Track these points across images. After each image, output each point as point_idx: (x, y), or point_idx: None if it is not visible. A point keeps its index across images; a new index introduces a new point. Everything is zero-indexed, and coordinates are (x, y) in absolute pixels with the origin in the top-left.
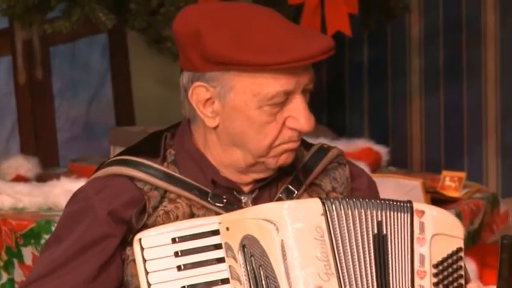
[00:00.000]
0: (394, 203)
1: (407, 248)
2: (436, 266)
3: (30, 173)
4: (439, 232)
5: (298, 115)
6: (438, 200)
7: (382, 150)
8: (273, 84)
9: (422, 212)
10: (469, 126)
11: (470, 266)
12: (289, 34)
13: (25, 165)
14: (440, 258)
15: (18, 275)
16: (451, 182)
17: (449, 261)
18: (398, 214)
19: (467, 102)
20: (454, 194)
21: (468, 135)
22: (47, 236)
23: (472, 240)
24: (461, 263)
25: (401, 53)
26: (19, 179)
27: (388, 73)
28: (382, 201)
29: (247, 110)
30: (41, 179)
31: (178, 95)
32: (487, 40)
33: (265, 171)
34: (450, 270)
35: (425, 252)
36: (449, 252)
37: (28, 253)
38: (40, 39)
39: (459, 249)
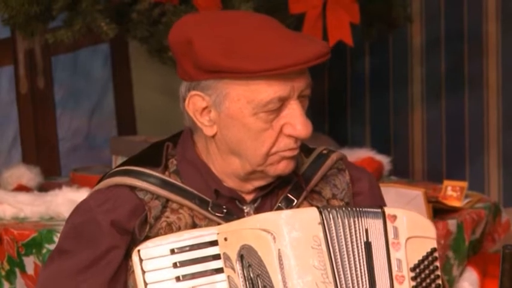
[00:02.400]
0: (368, 210)
1: (384, 253)
2: (413, 269)
3: (32, 183)
4: (412, 235)
5: (295, 121)
6: (440, 209)
7: (384, 160)
8: (266, 91)
9: (394, 217)
10: (471, 135)
11: (472, 275)
12: (282, 40)
13: (27, 174)
14: (416, 261)
15: (20, 285)
16: (452, 192)
17: (426, 262)
18: (374, 221)
19: (469, 112)
20: (455, 203)
21: (470, 145)
22: (48, 246)
23: (474, 250)
24: (437, 263)
25: (403, 62)
26: (21, 188)
27: (390, 83)
28: (360, 209)
29: (242, 117)
30: (43, 188)
31: (180, 104)
32: (489, 50)
33: (265, 178)
34: (427, 271)
35: (401, 257)
36: (424, 254)
37: (30, 263)
38: (42, 48)
39: (433, 250)
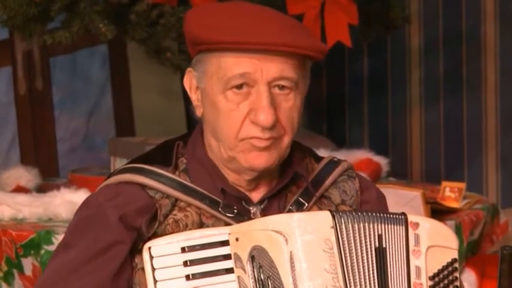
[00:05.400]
0: (390, 215)
1: (404, 260)
2: (432, 278)
3: (30, 184)
4: (434, 244)
5: (257, 108)
6: (438, 210)
7: (382, 161)
8: (232, 66)
9: (416, 224)
10: (469, 137)
11: (471, 276)
12: (265, 22)
13: (25, 175)
14: (436, 270)
15: (18, 286)
16: (451, 193)
17: (445, 272)
18: (395, 227)
19: (467, 113)
20: (454, 204)
21: (468, 146)
22: (47, 247)
23: (472, 251)
24: (456, 274)
25: (401, 64)
26: (19, 189)
27: (388, 84)
28: (380, 214)
29: (213, 95)
30: (41, 189)
31: (179, 105)
32: (487, 51)
33: (245, 171)
34: (446, 282)
35: (421, 265)
36: (445, 263)
37: (28, 264)
38: (40, 50)
39: (454, 260)
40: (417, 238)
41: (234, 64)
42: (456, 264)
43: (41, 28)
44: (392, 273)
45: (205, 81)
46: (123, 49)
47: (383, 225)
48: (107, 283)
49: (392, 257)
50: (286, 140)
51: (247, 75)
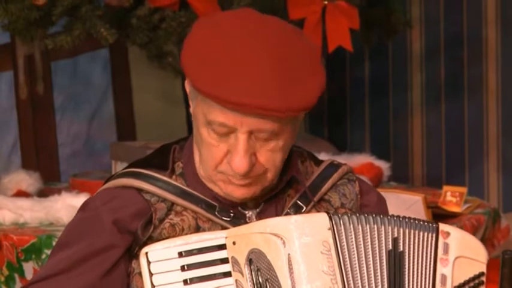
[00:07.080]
0: (420, 222)
1: (430, 267)
2: (457, 287)
3: (31, 188)
4: (462, 255)
5: (233, 154)
6: (439, 215)
7: (384, 165)
8: (214, 111)
9: (447, 234)
10: (470, 141)
11: None
12: (257, 76)
13: (26, 180)
14: (462, 281)
15: None
16: (452, 197)
17: (471, 284)
18: (423, 233)
19: (469, 118)
20: (455, 209)
21: (469, 150)
22: (48, 251)
23: None
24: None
25: (403, 68)
26: (20, 193)
27: (390, 88)
28: (407, 219)
29: (199, 123)
30: (43, 194)
31: (180, 110)
32: (488, 55)
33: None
34: None
35: (447, 273)
36: (472, 275)
37: (29, 268)
38: (41, 54)
39: (481, 274)
40: (446, 247)
41: (217, 110)
42: (483, 278)
43: (42, 32)
44: (411, 277)
45: (195, 105)
46: (124, 53)
47: (402, 229)
48: (96, 285)
49: (413, 262)
50: (270, 175)
51: (226, 125)
